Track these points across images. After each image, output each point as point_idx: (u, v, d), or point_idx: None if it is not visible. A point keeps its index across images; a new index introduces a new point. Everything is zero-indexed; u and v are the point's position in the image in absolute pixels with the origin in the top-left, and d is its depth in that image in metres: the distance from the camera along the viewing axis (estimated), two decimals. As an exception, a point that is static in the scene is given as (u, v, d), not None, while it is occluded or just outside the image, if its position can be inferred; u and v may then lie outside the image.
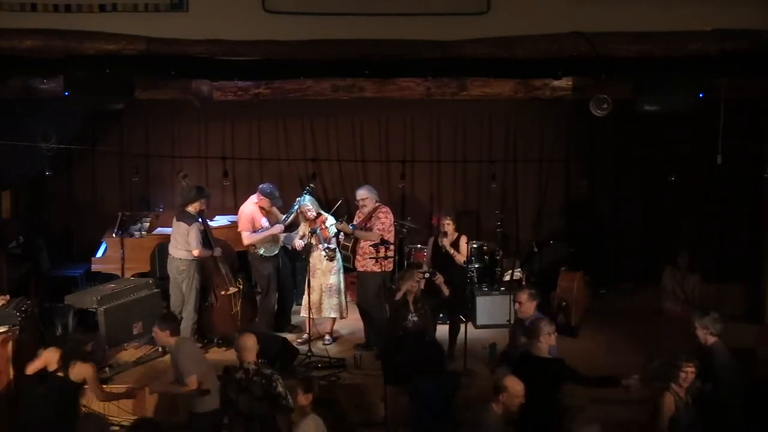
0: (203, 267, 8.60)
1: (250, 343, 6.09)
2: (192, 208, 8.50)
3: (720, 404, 6.18)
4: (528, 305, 6.83)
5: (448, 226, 8.39)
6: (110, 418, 7.54)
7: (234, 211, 9.68)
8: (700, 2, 7.40)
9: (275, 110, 10.35)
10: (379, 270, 8.46)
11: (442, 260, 8.34)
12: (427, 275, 7.44)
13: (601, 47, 7.25)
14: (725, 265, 10.25)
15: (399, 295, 7.06)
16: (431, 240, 8.71)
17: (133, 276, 9.18)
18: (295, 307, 9.41)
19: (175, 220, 8.58)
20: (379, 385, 7.35)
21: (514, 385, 5.64)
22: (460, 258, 8.36)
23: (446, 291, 7.68)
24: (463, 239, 8.46)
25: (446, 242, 8.33)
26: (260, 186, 8.96)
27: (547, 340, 6.18)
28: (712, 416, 6.17)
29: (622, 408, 7.42)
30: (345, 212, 10.05)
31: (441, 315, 8.30)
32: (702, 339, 6.32)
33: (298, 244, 8.78)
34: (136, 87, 7.61)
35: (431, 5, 7.47)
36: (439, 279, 7.61)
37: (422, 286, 7.50)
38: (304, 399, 5.59)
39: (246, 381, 5.92)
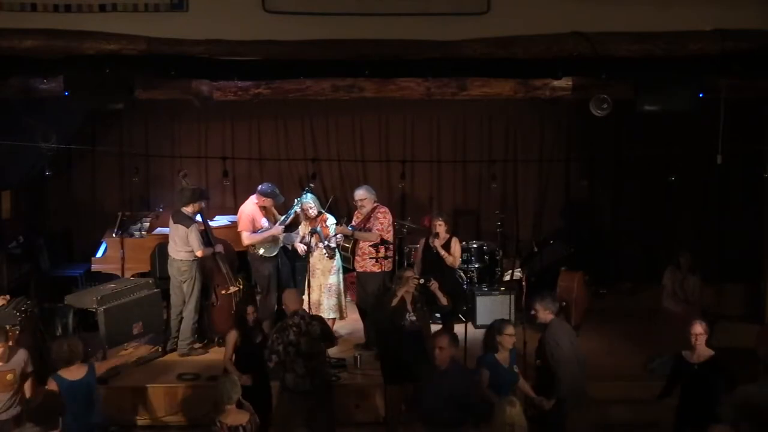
0: (204, 266, 8.60)
1: (294, 296, 7.09)
2: (188, 209, 8.49)
3: (548, 375, 6.56)
4: (450, 350, 6.24)
5: (440, 227, 8.31)
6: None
7: (234, 211, 9.68)
8: (700, 2, 7.40)
9: (275, 110, 10.35)
10: (379, 270, 8.45)
11: (433, 262, 8.26)
12: (422, 281, 7.41)
13: (601, 47, 7.25)
14: (725, 265, 10.25)
15: (395, 302, 7.05)
16: (422, 241, 8.59)
17: (133, 276, 9.18)
18: (295, 307, 9.40)
19: (171, 222, 8.55)
20: (379, 385, 7.35)
21: None
22: (451, 260, 8.32)
23: (443, 299, 7.63)
24: (455, 241, 8.41)
25: (437, 243, 8.28)
26: (259, 188, 8.92)
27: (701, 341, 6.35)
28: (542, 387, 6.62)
29: (623, 407, 7.45)
30: (345, 212, 10.06)
31: (437, 315, 8.28)
32: (542, 318, 6.76)
33: (301, 248, 8.77)
34: (136, 87, 7.60)
35: (431, 5, 7.46)
36: (434, 285, 7.53)
37: (417, 292, 7.43)
38: None
39: (305, 325, 6.75)
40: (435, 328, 7.72)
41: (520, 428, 5.27)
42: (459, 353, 6.80)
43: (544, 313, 6.73)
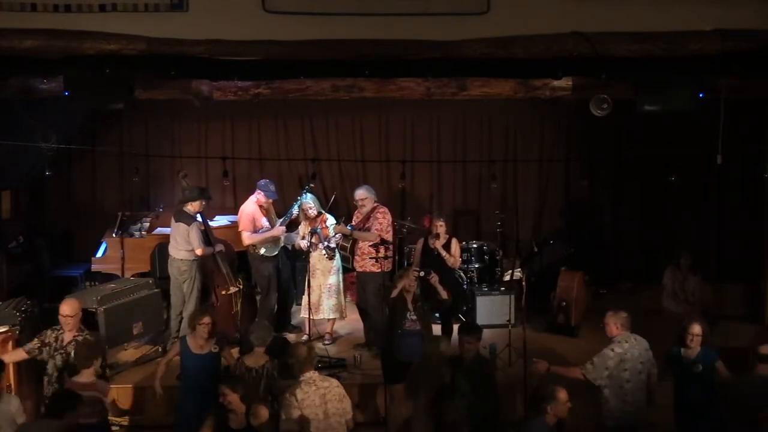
0: (204, 266, 8.59)
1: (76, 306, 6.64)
2: (191, 207, 8.49)
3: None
4: None
5: (441, 228, 8.32)
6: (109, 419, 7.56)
7: (234, 211, 9.68)
8: (700, 2, 7.41)
9: (275, 110, 10.37)
10: (379, 270, 8.45)
11: (432, 262, 8.24)
12: (422, 274, 7.42)
13: (601, 47, 7.25)
14: (725, 265, 10.25)
15: (395, 293, 7.05)
16: (420, 241, 8.59)
17: (133, 276, 9.17)
18: (295, 307, 9.41)
19: (173, 220, 8.55)
20: (379, 385, 7.35)
21: None
22: (452, 260, 8.33)
23: (443, 293, 7.62)
24: (455, 242, 8.42)
25: (438, 244, 8.28)
26: (258, 182, 8.98)
27: None
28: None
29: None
30: (345, 212, 10.06)
31: (436, 315, 8.28)
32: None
33: (303, 244, 8.77)
34: (136, 87, 7.61)
35: (431, 5, 7.47)
36: (434, 279, 7.55)
37: (417, 287, 7.42)
38: None
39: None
40: (435, 327, 7.75)
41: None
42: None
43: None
